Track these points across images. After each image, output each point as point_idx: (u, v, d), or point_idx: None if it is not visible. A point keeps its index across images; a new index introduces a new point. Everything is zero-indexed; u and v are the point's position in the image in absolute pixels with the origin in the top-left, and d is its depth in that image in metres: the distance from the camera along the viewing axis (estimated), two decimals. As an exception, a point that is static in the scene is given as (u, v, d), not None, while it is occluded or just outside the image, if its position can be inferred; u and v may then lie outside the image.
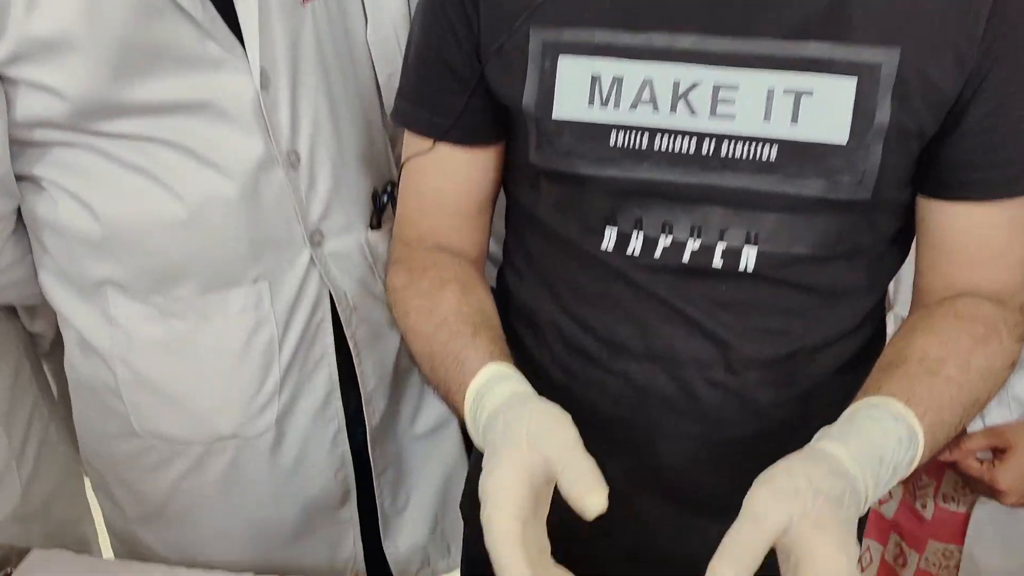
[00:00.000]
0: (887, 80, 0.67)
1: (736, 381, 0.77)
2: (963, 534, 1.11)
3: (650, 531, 0.85)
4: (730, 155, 0.70)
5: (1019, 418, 1.03)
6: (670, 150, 0.71)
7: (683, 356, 0.77)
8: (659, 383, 0.78)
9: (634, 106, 0.71)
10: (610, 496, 0.59)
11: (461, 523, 1.25)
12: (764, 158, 0.70)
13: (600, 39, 0.71)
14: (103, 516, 1.11)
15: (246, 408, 0.98)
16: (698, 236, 0.73)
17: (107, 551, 1.16)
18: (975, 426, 1.04)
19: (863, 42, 0.67)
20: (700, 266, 0.73)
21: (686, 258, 0.73)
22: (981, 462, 1.03)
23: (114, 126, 0.84)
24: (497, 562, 0.58)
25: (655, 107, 0.70)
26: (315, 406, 1.02)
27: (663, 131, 0.71)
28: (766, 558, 0.57)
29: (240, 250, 0.91)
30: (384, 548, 1.16)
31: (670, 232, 0.73)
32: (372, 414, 1.07)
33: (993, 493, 1.03)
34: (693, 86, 0.69)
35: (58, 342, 1.04)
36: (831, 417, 0.66)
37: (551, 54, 0.72)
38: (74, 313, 0.94)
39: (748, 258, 0.73)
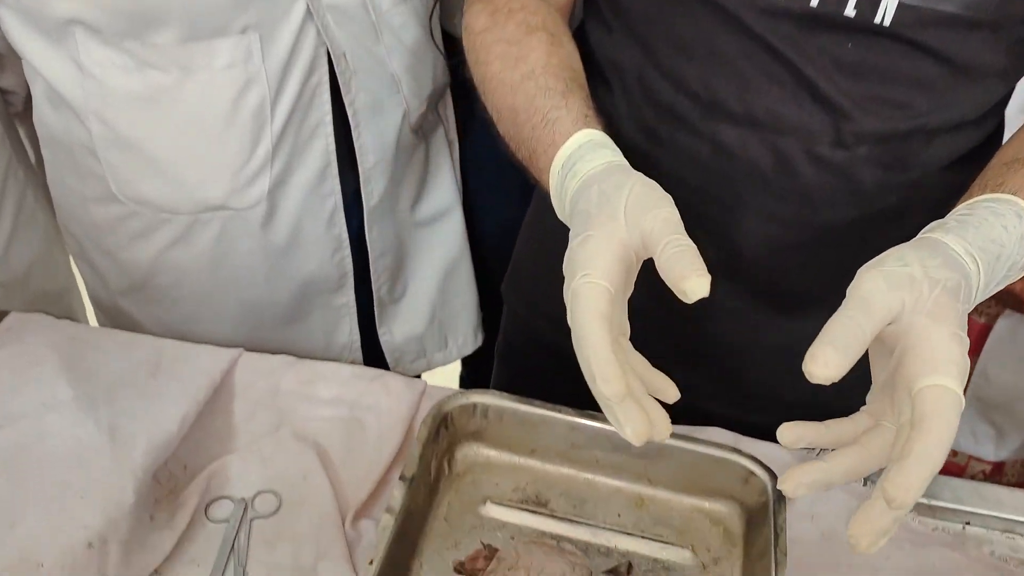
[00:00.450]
0: None
1: (843, 157, 0.70)
2: (980, 347, 1.08)
3: (721, 324, 0.80)
4: None
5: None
6: None
7: (788, 123, 0.69)
8: (754, 152, 0.71)
9: None
10: None
11: (460, 316, 1.22)
12: None
13: None
14: (86, 288, 1.06)
15: (235, 177, 0.90)
16: None
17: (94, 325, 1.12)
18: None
19: None
20: (829, 13, 0.65)
21: (814, 0, 0.64)
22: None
23: None
24: (580, 338, 0.54)
25: None
26: (310, 180, 0.95)
27: None
28: None
29: (225, -9, 0.81)
30: (379, 336, 1.13)
31: None
32: (370, 194, 1.00)
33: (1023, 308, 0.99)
34: None
35: (31, 102, 0.95)
36: (936, 215, 0.60)
37: None
38: (41, 60, 0.84)
39: (887, 9, 0.64)
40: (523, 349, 1.04)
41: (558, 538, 0.76)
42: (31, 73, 0.88)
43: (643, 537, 0.77)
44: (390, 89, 0.96)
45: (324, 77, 0.90)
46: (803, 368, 0.50)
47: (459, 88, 1.09)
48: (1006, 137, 0.77)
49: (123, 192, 0.90)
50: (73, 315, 1.11)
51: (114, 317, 1.04)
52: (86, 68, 0.83)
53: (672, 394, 0.61)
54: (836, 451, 0.55)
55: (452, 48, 1.02)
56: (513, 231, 1.05)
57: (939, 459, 0.48)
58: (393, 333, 1.14)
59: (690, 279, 0.52)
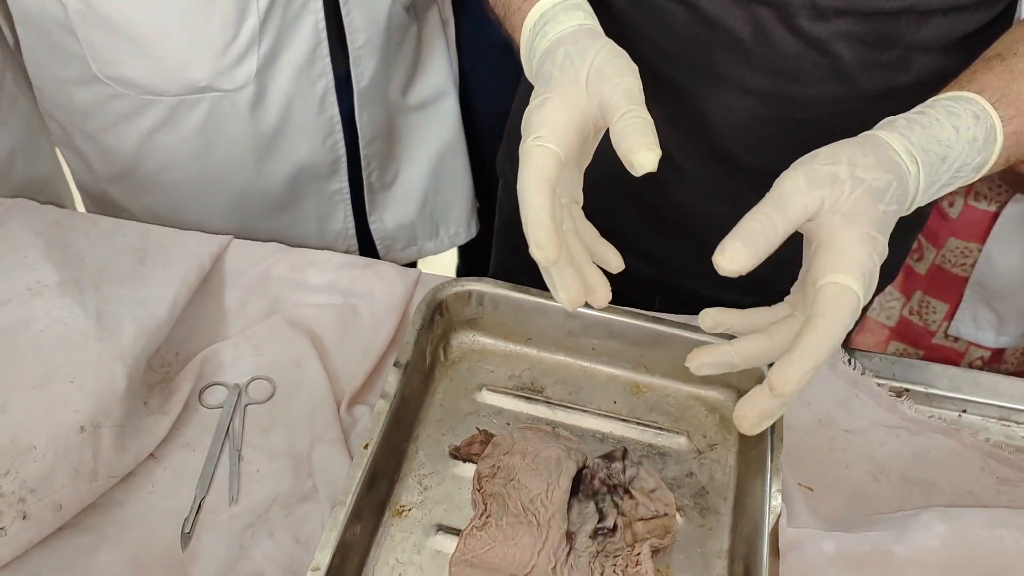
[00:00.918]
0: None
1: (822, 30, 0.68)
2: (986, 233, 1.06)
3: (695, 196, 0.78)
4: None
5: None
6: None
7: None
8: (734, 21, 0.69)
9: None
10: None
11: (453, 205, 1.19)
12: None
13: None
14: (72, 175, 1.03)
15: (221, 57, 0.86)
16: None
17: (82, 214, 1.10)
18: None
19: None
20: None
21: None
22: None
23: None
24: (522, 201, 0.53)
25: None
26: (300, 61, 0.91)
27: None
28: None
29: None
30: (369, 223, 1.11)
31: None
32: (360, 75, 0.96)
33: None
34: None
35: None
36: (918, 102, 0.58)
37: None
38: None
39: None
40: (520, 225, 1.03)
41: (553, 424, 0.75)
42: (0, -56, 0.83)
43: (638, 424, 0.77)
44: (381, -36, 0.91)
45: (311, -52, 0.86)
46: (712, 260, 0.50)
47: (454, -36, 1.04)
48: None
49: (105, 73, 0.87)
50: (60, 204, 1.08)
51: (102, 205, 1.02)
52: (57, -63, 0.78)
53: (615, 263, 0.60)
54: (744, 336, 0.56)
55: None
56: (511, 117, 1.01)
57: (823, 354, 0.48)
58: (384, 220, 1.11)
59: (640, 152, 0.51)
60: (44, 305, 0.71)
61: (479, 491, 0.68)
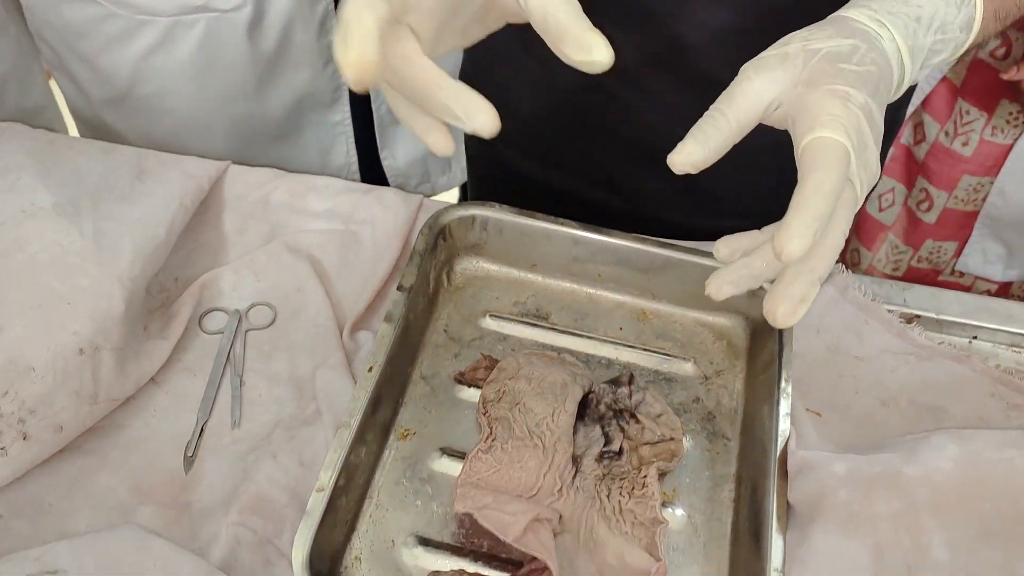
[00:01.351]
0: None
1: None
2: (1001, 166, 1.04)
3: (665, 119, 0.76)
4: None
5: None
6: None
7: None
8: None
9: None
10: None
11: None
12: None
13: None
14: (66, 101, 1.01)
15: (216, -27, 0.84)
16: None
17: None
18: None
19: None
20: None
21: None
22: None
23: None
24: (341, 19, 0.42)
25: None
26: (298, -19, 0.88)
27: None
28: None
29: None
30: (381, 159, 1.09)
31: None
32: None
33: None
34: None
35: None
36: None
37: None
38: None
39: None
40: (493, 178, 1.01)
41: (559, 350, 0.74)
42: None
43: (645, 350, 0.76)
44: None
45: None
46: (667, 160, 0.48)
47: None
48: None
49: (96, -10, 0.84)
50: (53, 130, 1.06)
51: (97, 131, 0.99)
52: None
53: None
54: (760, 245, 0.53)
55: None
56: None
57: (821, 201, 0.44)
58: (396, 156, 1.09)
59: (595, 47, 0.44)
60: (39, 227, 0.69)
61: (484, 415, 0.67)
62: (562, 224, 0.76)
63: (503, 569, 0.62)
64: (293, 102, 0.97)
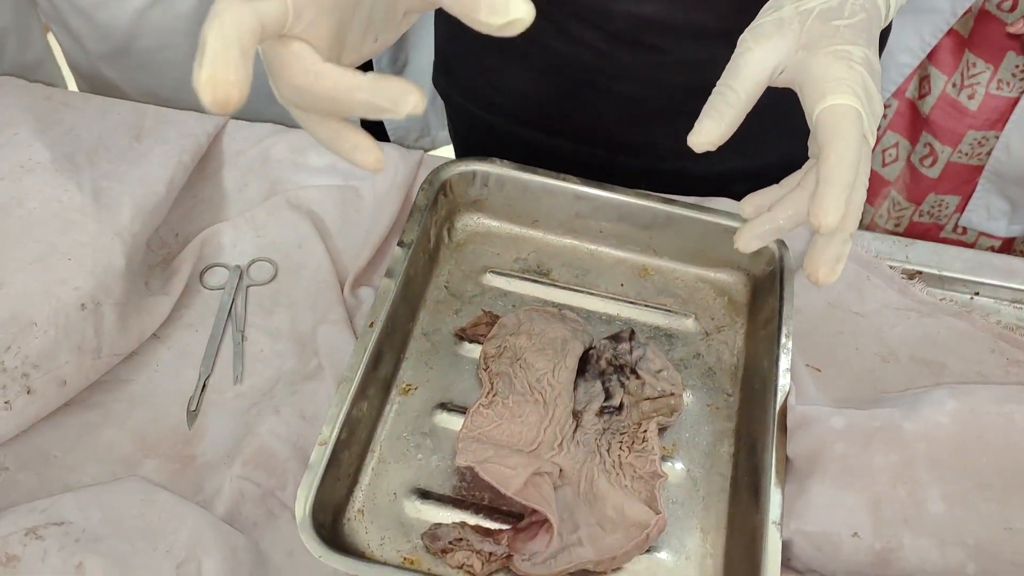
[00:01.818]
0: None
1: None
2: (1006, 120, 1.03)
3: (666, 73, 0.75)
4: None
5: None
6: None
7: None
8: None
9: None
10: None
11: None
12: None
13: None
14: (64, 55, 1.00)
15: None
16: None
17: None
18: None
19: None
20: None
21: None
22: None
23: None
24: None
25: None
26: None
27: None
28: None
29: None
30: (380, 113, 1.08)
31: None
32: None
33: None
34: None
35: None
36: None
37: None
38: None
39: None
40: (476, 140, 1.00)
41: (560, 306, 0.74)
42: None
43: (646, 306, 0.76)
44: None
45: None
46: (687, 143, 0.49)
47: None
48: None
49: (92, -58, 0.83)
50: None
51: (96, 86, 0.99)
52: None
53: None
54: (781, 199, 0.55)
55: None
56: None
57: (846, 172, 0.47)
58: None
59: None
60: (37, 183, 0.69)
61: (485, 371, 0.68)
62: (563, 180, 0.76)
63: (504, 522, 0.62)
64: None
